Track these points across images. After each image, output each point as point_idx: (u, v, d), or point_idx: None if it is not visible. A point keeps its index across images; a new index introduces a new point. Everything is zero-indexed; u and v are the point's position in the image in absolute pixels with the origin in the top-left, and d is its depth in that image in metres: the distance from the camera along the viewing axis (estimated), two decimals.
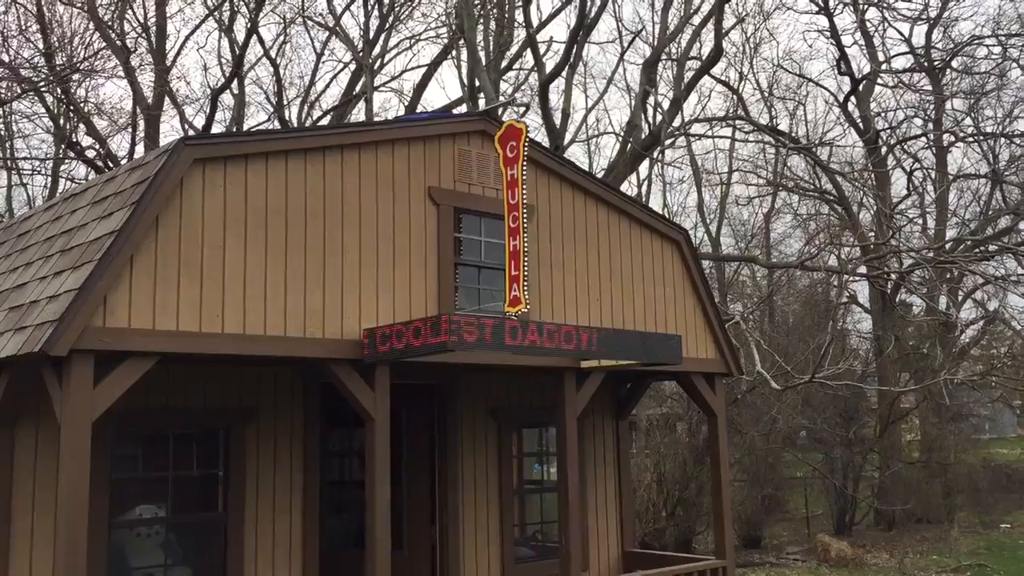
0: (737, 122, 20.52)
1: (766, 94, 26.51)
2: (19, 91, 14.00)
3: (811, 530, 23.76)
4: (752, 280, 32.96)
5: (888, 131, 26.02)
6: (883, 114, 26.95)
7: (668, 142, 14.89)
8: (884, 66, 25.50)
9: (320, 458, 7.26)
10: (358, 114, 20.83)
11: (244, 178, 5.86)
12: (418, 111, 18.54)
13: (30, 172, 22.35)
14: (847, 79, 24.73)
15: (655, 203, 23.22)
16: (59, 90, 16.71)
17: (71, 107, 18.55)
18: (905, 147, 26.52)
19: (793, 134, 25.61)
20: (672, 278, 8.38)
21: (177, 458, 6.65)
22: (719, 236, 31.81)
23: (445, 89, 50.57)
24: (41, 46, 16.52)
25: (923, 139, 26.77)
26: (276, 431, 6.97)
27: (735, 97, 23.38)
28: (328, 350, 6.08)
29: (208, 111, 20.66)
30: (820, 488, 25.98)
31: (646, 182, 22.67)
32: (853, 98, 24.79)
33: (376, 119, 18.26)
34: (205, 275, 5.62)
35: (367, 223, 6.44)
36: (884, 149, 25.41)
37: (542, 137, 14.46)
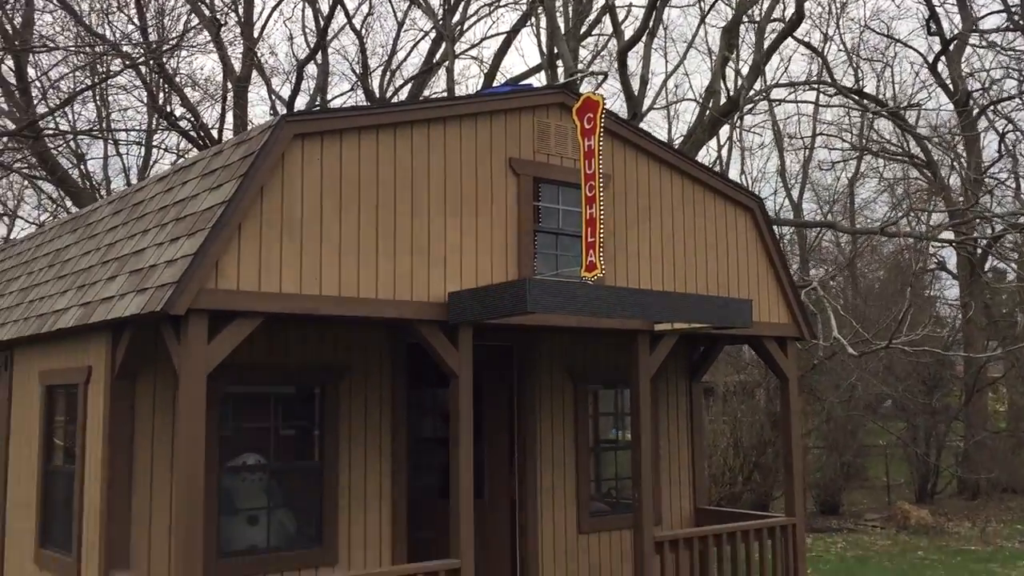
0: (821, 85, 20.29)
1: (852, 56, 26.03)
2: (120, 67, 14.78)
3: (892, 498, 23.66)
4: (836, 246, 32.54)
5: (979, 92, 25.34)
6: (974, 75, 26.24)
7: (747, 108, 14.91)
8: (976, 25, 24.76)
9: (407, 415, 7.75)
10: (438, 82, 21.28)
11: (339, 151, 6.31)
12: (496, 83, 18.83)
13: (126, 142, 23.42)
14: (937, 39, 24.15)
15: (734, 169, 23.19)
16: (154, 64, 17.51)
17: (165, 80, 19.38)
18: (997, 109, 25.80)
19: (881, 96, 25.13)
20: (745, 244, 8.61)
21: (278, 411, 7.22)
22: (801, 201, 31.48)
23: (524, 57, 50.62)
24: (137, 22, 17.33)
25: (1017, 100, 25.99)
26: (367, 388, 7.48)
27: (819, 60, 23.08)
28: (415, 312, 6.52)
29: (294, 81, 21.38)
30: (902, 457, 25.79)
31: (726, 148, 22.62)
32: (943, 59, 24.19)
33: (456, 87, 18.65)
34: (304, 241, 6.10)
35: (451, 192, 6.85)
36: (975, 111, 24.76)
37: (620, 104, 14.66)
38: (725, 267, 8.44)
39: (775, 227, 18.56)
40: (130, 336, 6.19)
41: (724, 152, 23.11)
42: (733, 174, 23.41)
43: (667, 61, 43.44)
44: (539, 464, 8.42)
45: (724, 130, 17.19)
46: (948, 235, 17.67)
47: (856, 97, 20.43)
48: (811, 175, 31.29)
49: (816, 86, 20.45)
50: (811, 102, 23.17)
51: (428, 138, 6.76)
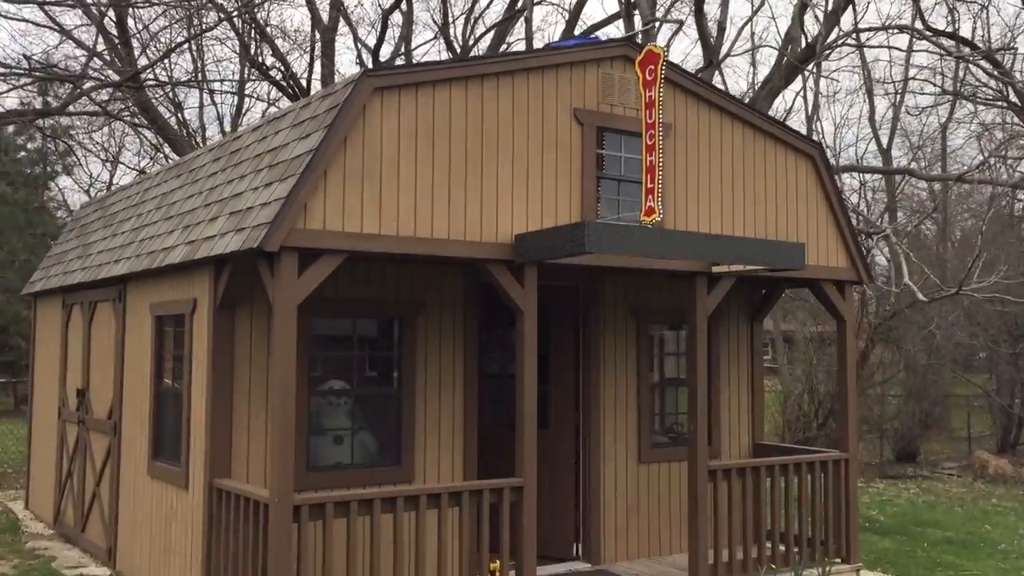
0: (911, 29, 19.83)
1: None
2: (216, 20, 15.57)
3: (972, 449, 23.49)
4: (930, 193, 31.82)
5: None
6: None
7: (824, 54, 14.89)
8: None
9: (478, 351, 8.36)
10: (519, 29, 21.54)
11: (415, 103, 6.86)
12: (576, 30, 18.99)
13: (220, 91, 24.41)
14: None
15: (816, 115, 22.87)
16: (247, 16, 18.26)
17: (257, 31, 20.14)
18: None
19: (979, 38, 24.34)
20: (805, 190, 8.90)
21: (360, 341, 7.91)
22: (891, 147, 30.88)
23: (603, 4, 50.16)
24: None
25: None
26: (441, 323, 8.11)
27: (911, 1, 22.47)
28: (484, 251, 7.09)
29: (379, 30, 21.92)
30: (985, 408, 25.52)
31: (804, 94, 22.39)
32: None
33: (535, 35, 18.96)
34: (383, 186, 6.70)
35: (519, 141, 7.35)
36: None
37: (697, 51, 14.78)
38: (784, 212, 8.76)
39: (850, 173, 18.51)
40: (230, 271, 6.92)
41: (810, 97, 22.85)
42: (814, 119, 23.19)
43: (752, 4, 42.51)
44: (602, 399, 8.97)
45: (806, 76, 17.11)
46: None
47: (946, 40, 19.93)
48: (901, 121, 30.64)
49: (909, 29, 20.01)
50: (898, 48, 22.68)
51: (498, 90, 7.25)
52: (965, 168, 25.00)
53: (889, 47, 23.61)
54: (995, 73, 21.11)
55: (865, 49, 23.17)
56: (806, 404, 21.97)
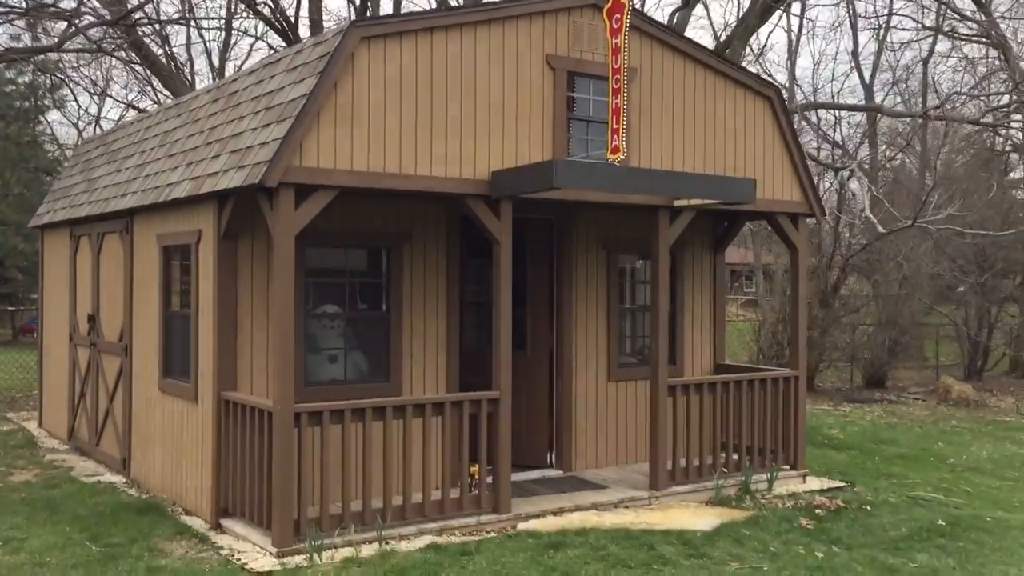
0: None
1: None
2: None
3: (941, 376, 24.40)
4: (912, 126, 32.36)
5: None
6: None
7: None
8: None
9: (459, 279, 9.12)
10: None
11: (399, 51, 7.50)
12: None
13: (207, 28, 24.68)
14: None
15: (796, 53, 23.34)
16: None
17: None
18: None
19: None
20: (763, 129, 9.59)
21: (351, 268, 8.67)
22: (873, 82, 31.37)
23: None
24: None
25: None
26: (426, 252, 8.85)
27: None
28: (464, 187, 7.80)
29: None
30: (952, 336, 26.41)
31: (790, 32, 22.82)
32: None
33: None
34: (371, 127, 7.38)
35: (495, 86, 8.01)
36: None
37: None
38: (743, 150, 9.47)
39: (818, 111, 19.11)
40: (232, 205, 7.62)
41: (793, 38, 23.35)
42: (796, 55, 23.63)
43: None
44: (574, 323, 9.78)
45: (781, 13, 17.58)
46: (988, 119, 17.89)
47: None
48: (884, 55, 31.02)
49: None
50: None
51: (475, 38, 7.89)
52: (958, 104, 25.53)
53: None
54: (976, 12, 21.60)
55: None
56: (780, 332, 22.85)
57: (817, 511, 8.66)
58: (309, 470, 7.29)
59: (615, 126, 8.05)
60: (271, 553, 6.97)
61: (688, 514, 8.43)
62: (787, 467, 9.78)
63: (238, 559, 6.94)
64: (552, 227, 9.79)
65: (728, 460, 9.41)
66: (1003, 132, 22.18)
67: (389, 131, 7.46)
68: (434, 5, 20.99)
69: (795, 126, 24.30)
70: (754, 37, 17.39)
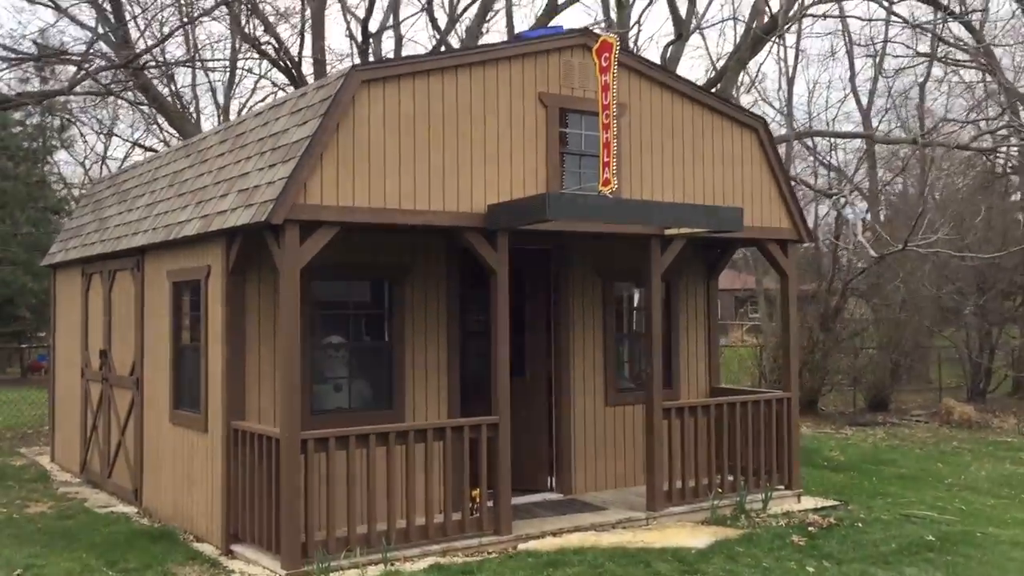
0: None
1: None
2: (214, 2, 16.45)
3: (943, 397, 24.47)
4: (912, 152, 32.73)
5: None
6: None
7: (786, 27, 15.83)
8: None
9: (459, 309, 9.43)
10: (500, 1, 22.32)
11: (398, 92, 7.88)
12: (539, 25, 19.77)
13: (213, 69, 25.25)
14: None
15: (791, 81, 23.81)
16: None
17: (249, 6, 20.95)
18: None
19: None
20: (750, 160, 9.95)
21: (355, 300, 8.99)
22: (870, 108, 31.80)
23: None
24: None
25: None
26: (426, 284, 9.18)
27: None
28: (461, 220, 8.15)
29: (368, 1, 22.75)
30: (955, 358, 26.54)
31: (782, 62, 23.26)
32: None
33: (516, 7, 19.80)
34: (371, 165, 7.74)
35: (490, 122, 8.38)
36: None
37: (668, 27, 15.67)
38: (731, 180, 9.82)
39: (809, 138, 19.50)
40: (240, 241, 7.97)
41: (780, 65, 23.72)
42: (780, 90, 24.11)
43: None
44: (572, 349, 10.08)
45: (773, 45, 18.02)
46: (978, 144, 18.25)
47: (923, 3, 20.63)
48: (880, 81, 31.48)
49: None
50: (858, 18, 23.50)
51: (470, 79, 8.27)
52: (951, 128, 25.90)
53: (857, 17, 24.33)
54: (969, 40, 22.03)
55: (845, 11, 23.95)
56: (780, 356, 23.04)
57: (810, 528, 8.90)
58: (316, 495, 7.57)
59: (606, 159, 8.40)
60: (280, 575, 7.23)
61: (684, 533, 8.67)
62: (782, 487, 10.03)
63: None
64: (549, 257, 10.11)
65: (724, 481, 9.66)
66: (998, 155, 22.47)
67: (389, 169, 7.82)
68: (434, 41, 21.50)
69: (792, 153, 24.78)
70: (753, 65, 17.81)
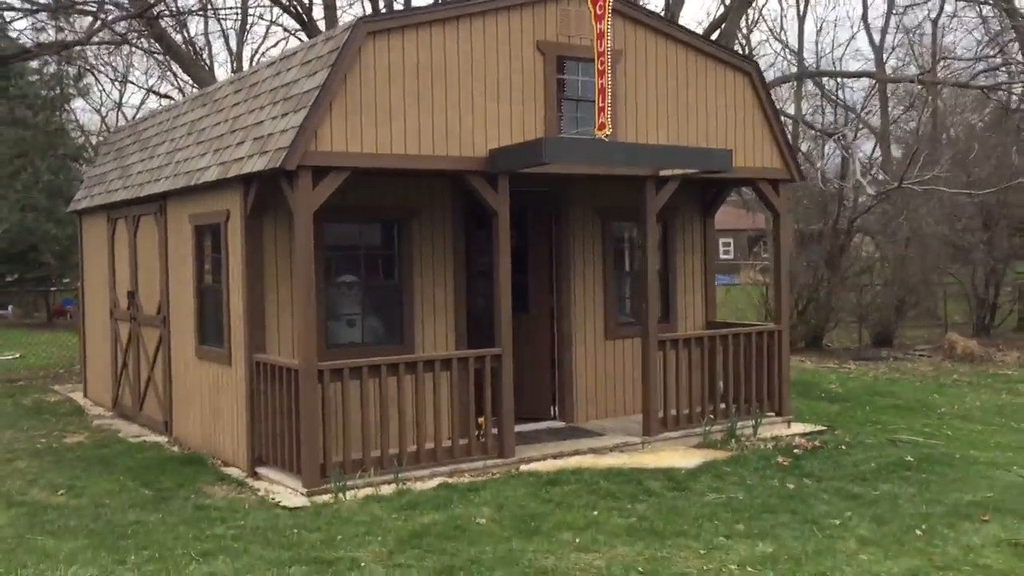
0: None
1: None
2: None
3: (949, 333, 24.79)
4: (923, 91, 32.65)
5: None
6: None
7: None
8: None
9: (464, 249, 9.94)
10: None
11: (402, 43, 8.32)
12: None
13: (225, 17, 25.53)
14: None
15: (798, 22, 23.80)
16: None
17: None
18: None
19: None
20: (743, 103, 10.34)
21: (365, 241, 9.53)
22: (883, 44, 31.71)
23: None
24: None
25: None
26: (433, 224, 9.70)
27: None
28: (464, 164, 8.63)
29: None
30: (962, 294, 26.84)
31: (782, 4, 23.13)
32: None
33: None
34: (378, 113, 8.21)
35: (490, 71, 8.81)
36: None
37: None
38: (724, 123, 10.22)
39: (815, 78, 19.71)
40: (257, 187, 8.50)
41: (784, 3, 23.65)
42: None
43: None
44: (573, 286, 10.61)
45: None
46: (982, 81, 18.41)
47: None
48: (894, 17, 31.30)
49: None
50: None
51: (471, 29, 8.69)
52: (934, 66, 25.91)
53: None
54: None
55: None
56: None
57: (795, 450, 9.49)
58: (333, 421, 8.20)
59: (601, 104, 8.83)
60: (301, 493, 7.91)
61: (676, 455, 9.28)
62: (772, 414, 10.61)
63: (273, 498, 7.89)
64: (550, 198, 10.59)
65: (716, 408, 10.24)
66: (1001, 91, 22.52)
67: (395, 116, 8.29)
68: None
69: (803, 91, 24.85)
70: (757, 7, 17.96)
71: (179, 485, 8.37)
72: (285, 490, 8.13)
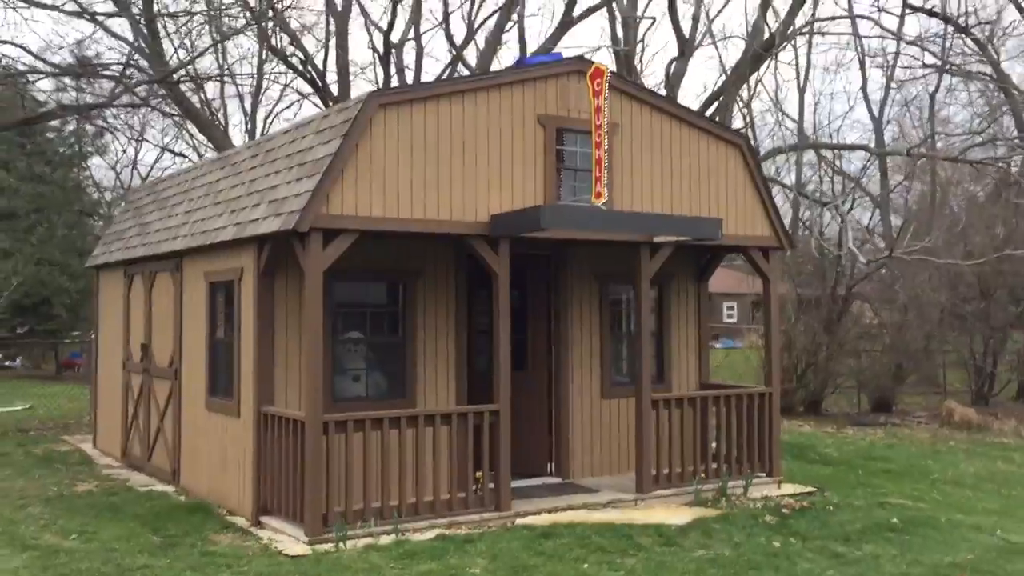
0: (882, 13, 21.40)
1: None
2: (245, 21, 17.54)
3: (947, 400, 24.91)
4: (921, 163, 33.33)
5: None
6: None
7: (782, 44, 16.70)
8: None
9: (467, 309, 10.36)
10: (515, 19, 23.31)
11: (411, 115, 8.86)
12: (531, 55, 20.67)
13: (240, 84, 26.44)
14: None
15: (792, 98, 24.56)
16: (267, 7, 20.16)
17: (276, 22, 22.06)
18: None
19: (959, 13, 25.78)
20: (734, 174, 10.84)
21: (372, 299, 9.98)
22: (882, 117, 32.51)
23: None
24: None
25: None
26: (436, 284, 10.14)
27: None
28: (467, 228, 9.11)
29: (390, 15, 23.82)
30: (959, 362, 27.05)
31: (778, 78, 23.91)
32: None
33: (528, 20, 20.79)
34: (386, 180, 8.71)
35: (493, 141, 9.33)
36: None
37: (672, 44, 16.52)
38: (716, 193, 10.71)
39: (809, 150, 20.32)
40: (270, 247, 8.97)
41: (779, 79, 24.39)
42: (785, 102, 24.87)
43: None
44: (571, 346, 11.00)
45: (784, 57, 18.85)
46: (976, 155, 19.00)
47: (924, 14, 21.31)
48: (892, 91, 32.10)
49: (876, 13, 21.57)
50: (848, 33, 24.24)
51: (475, 102, 9.23)
52: (934, 139, 26.56)
53: (846, 32, 25.05)
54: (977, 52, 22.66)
55: (858, 23, 24.62)
56: (785, 359, 23.78)
57: (783, 510, 9.77)
58: (336, 472, 8.53)
59: (597, 174, 9.33)
60: (304, 541, 8.22)
61: (667, 512, 9.57)
62: (763, 474, 10.89)
63: (276, 547, 8.20)
64: (550, 261, 11.04)
65: (708, 468, 10.54)
66: (987, 164, 23.05)
67: (402, 182, 8.79)
68: (451, 55, 22.47)
69: (802, 159, 25.47)
70: (771, 73, 18.66)
71: (186, 532, 8.68)
72: (288, 538, 8.43)
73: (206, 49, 18.42)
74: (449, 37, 21.75)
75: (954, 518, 10.20)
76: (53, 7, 15.55)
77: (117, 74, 17.31)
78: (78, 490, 11.00)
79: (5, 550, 7.97)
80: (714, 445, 10.72)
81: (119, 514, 9.52)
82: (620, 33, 18.38)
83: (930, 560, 8.22)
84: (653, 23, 19.60)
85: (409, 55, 24.39)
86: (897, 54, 29.59)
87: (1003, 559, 8.34)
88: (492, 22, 23.29)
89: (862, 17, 27.40)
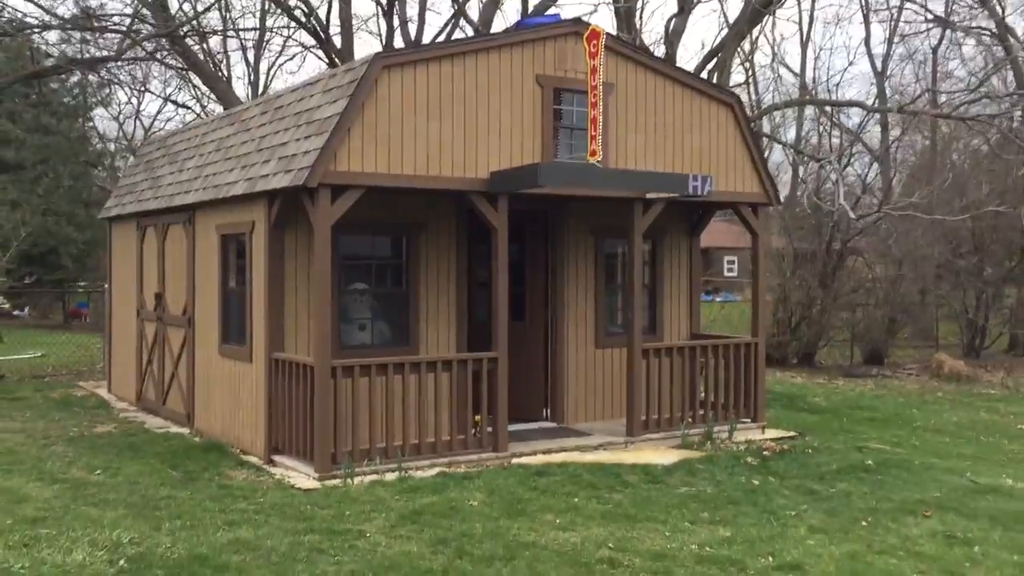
0: None
1: None
2: None
3: (937, 352, 25.41)
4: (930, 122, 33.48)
5: None
6: None
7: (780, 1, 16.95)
8: None
9: (467, 262, 10.84)
10: None
11: (414, 75, 9.26)
12: (530, 16, 20.80)
13: (244, 38, 26.62)
14: None
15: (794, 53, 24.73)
16: None
17: None
18: None
19: None
20: (725, 132, 11.25)
21: (377, 253, 10.46)
22: (885, 71, 32.64)
23: None
24: None
25: None
26: (439, 238, 10.61)
27: None
28: (468, 184, 9.56)
29: None
30: (952, 316, 27.52)
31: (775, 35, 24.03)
32: None
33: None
34: (391, 138, 9.14)
35: (493, 101, 9.74)
36: None
37: (672, 0, 16.68)
38: (708, 150, 11.14)
39: (801, 106, 20.63)
40: (280, 201, 9.43)
41: (776, 37, 24.56)
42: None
43: None
44: (567, 298, 11.51)
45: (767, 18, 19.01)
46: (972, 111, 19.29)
47: None
48: (896, 45, 32.21)
49: None
50: None
51: (476, 63, 9.63)
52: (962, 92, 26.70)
53: None
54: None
55: None
56: (780, 312, 24.30)
57: (764, 453, 10.35)
58: (343, 414, 9.10)
59: (593, 133, 9.76)
60: (314, 478, 8.81)
61: (655, 454, 10.15)
62: (748, 420, 11.47)
63: (288, 481, 8.79)
64: (547, 217, 11.50)
65: (695, 413, 11.11)
66: (976, 121, 23.28)
67: (406, 140, 9.23)
68: (454, 9, 22.65)
69: (803, 114, 25.73)
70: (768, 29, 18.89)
71: (203, 469, 9.27)
72: (299, 475, 9.02)
73: (212, 4, 18.64)
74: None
75: (928, 461, 10.76)
76: None
77: (124, 28, 17.59)
78: (98, 431, 11.58)
79: (37, 483, 8.55)
80: (701, 391, 11.27)
81: (139, 452, 10.11)
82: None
83: (899, 497, 8.78)
84: None
85: (412, 8, 24.55)
86: (901, 8, 29.71)
87: (968, 498, 8.90)
88: None
89: None
